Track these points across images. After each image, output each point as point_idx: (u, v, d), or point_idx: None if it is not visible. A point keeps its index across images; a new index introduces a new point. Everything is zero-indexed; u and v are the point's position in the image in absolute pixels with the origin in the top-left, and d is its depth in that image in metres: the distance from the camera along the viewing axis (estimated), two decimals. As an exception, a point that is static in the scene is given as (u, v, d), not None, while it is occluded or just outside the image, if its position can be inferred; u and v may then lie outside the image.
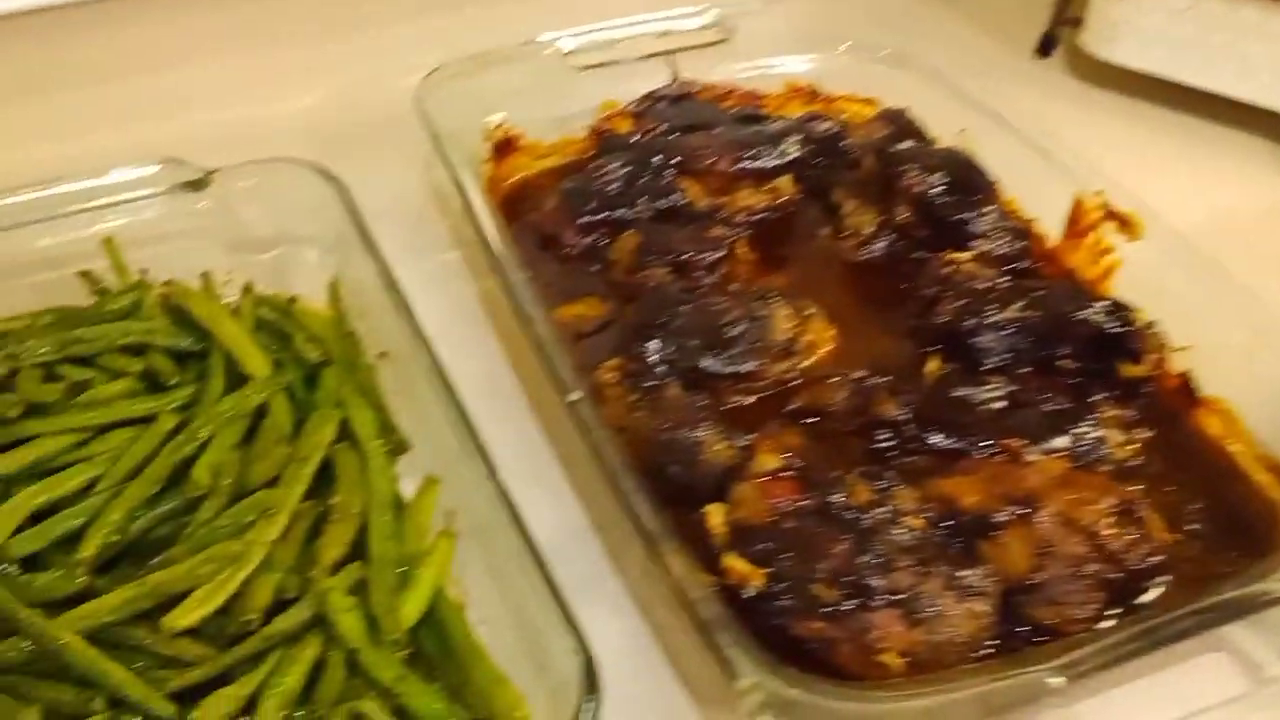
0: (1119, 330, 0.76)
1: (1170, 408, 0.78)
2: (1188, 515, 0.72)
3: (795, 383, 0.78)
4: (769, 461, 0.65)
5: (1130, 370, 0.76)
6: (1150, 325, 0.77)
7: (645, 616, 0.67)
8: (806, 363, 0.79)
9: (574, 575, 0.61)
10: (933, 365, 0.78)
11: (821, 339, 0.80)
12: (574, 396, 0.66)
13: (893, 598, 0.59)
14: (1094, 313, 0.77)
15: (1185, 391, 0.78)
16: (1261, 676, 0.64)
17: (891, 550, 0.61)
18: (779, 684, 0.54)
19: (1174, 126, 1.11)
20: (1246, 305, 0.77)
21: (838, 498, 0.63)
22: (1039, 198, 0.91)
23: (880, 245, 0.90)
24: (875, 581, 0.59)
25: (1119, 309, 0.77)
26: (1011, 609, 0.63)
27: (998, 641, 0.62)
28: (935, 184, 0.89)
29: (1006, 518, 0.64)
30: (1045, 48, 1.23)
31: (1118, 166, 0.93)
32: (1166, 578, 0.66)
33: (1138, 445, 0.74)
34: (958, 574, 0.61)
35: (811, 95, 1.07)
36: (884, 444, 0.71)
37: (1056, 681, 0.55)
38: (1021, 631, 0.63)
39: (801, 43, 1.09)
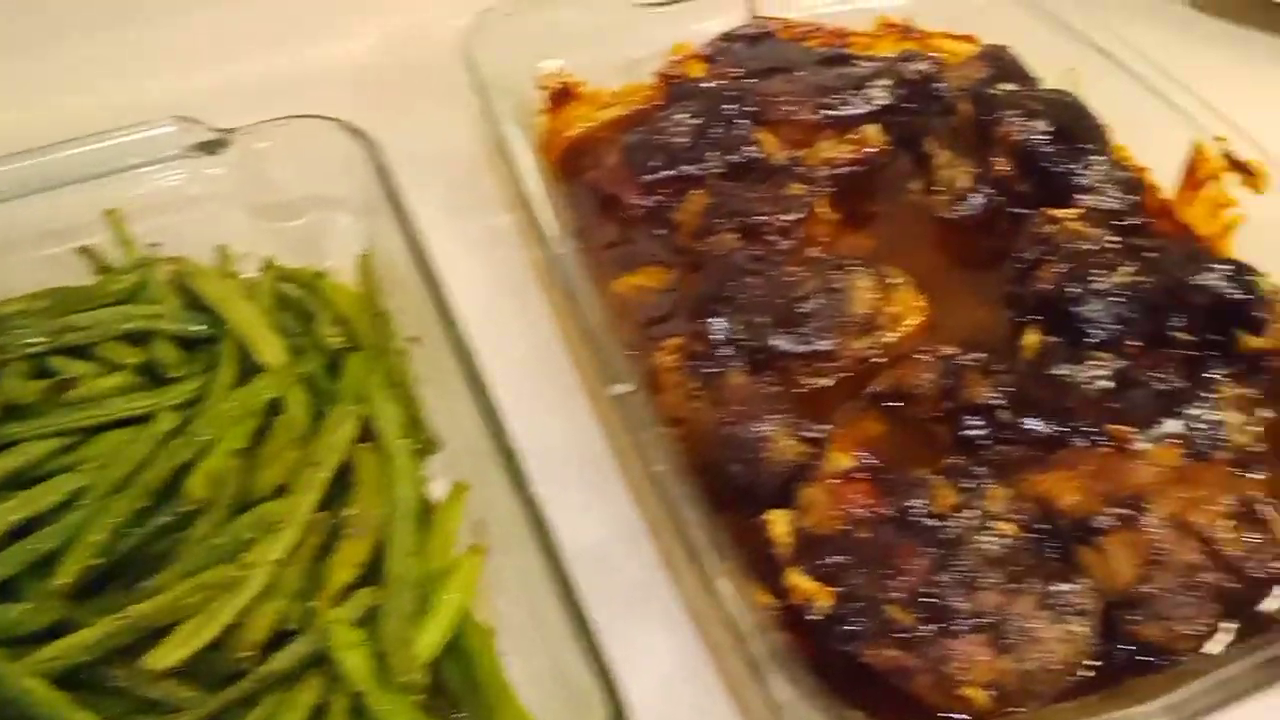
0: (1240, 297, 0.68)
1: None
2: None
3: (878, 362, 0.70)
4: (842, 460, 0.58)
5: (1253, 343, 0.68)
6: (1277, 290, 0.68)
7: (702, 633, 0.61)
8: (891, 338, 0.72)
9: (624, 585, 0.56)
10: (1030, 339, 0.70)
11: (908, 311, 0.73)
12: (619, 389, 0.60)
13: (978, 621, 0.53)
14: (1212, 277, 0.69)
15: (1321, 366, 0.69)
16: None
17: (977, 564, 0.54)
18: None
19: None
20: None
21: (918, 502, 0.56)
22: (1154, 145, 0.82)
23: (977, 201, 0.82)
24: (958, 602, 0.53)
25: (1241, 272, 0.69)
26: (1114, 625, 0.56)
27: (1099, 664, 0.55)
28: (1038, 131, 0.80)
29: (1110, 521, 0.57)
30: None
31: (1241, 108, 0.83)
32: (1290, 589, 0.58)
33: (1261, 429, 0.66)
34: (1053, 589, 0.54)
35: (905, 32, 0.99)
36: (975, 432, 0.64)
37: (1160, 726, 0.48)
38: (1125, 651, 0.56)
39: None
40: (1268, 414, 0.67)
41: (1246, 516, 0.58)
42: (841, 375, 0.70)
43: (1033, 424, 0.65)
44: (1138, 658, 0.56)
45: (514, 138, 0.78)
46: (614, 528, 0.64)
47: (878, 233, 0.83)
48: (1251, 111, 0.89)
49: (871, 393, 0.68)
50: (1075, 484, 0.59)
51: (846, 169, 0.85)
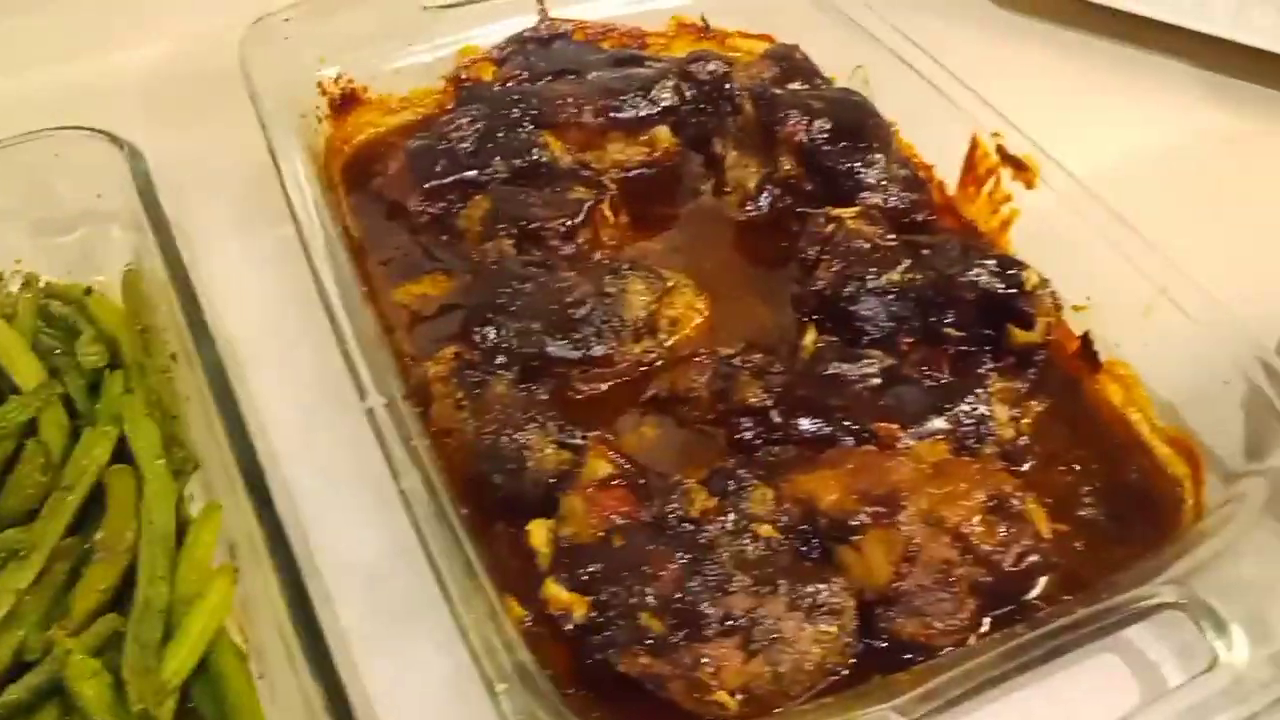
0: (1007, 292, 0.69)
1: (1067, 375, 0.71)
2: (1083, 499, 0.65)
3: (657, 365, 0.70)
4: (600, 468, 0.58)
5: (1022, 337, 0.69)
6: (1043, 285, 0.70)
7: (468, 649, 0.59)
8: (671, 341, 0.71)
9: (396, 601, 0.54)
10: (808, 338, 0.70)
11: (689, 313, 0.73)
12: (373, 402, 0.58)
13: (729, 625, 0.52)
14: (981, 273, 0.70)
15: (1084, 356, 0.71)
16: (1158, 680, 0.58)
17: (730, 568, 0.54)
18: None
19: (1096, 53, 1.03)
20: (1147, 256, 0.70)
21: (673, 508, 0.56)
22: (944, 141, 0.83)
23: (764, 201, 0.83)
24: (709, 607, 0.53)
25: (1008, 267, 0.69)
26: (872, 623, 0.56)
27: (855, 661, 0.55)
28: (820, 131, 0.81)
29: (866, 520, 0.57)
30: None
31: (1034, 98, 0.86)
32: (1050, 575, 0.59)
33: (1029, 421, 0.67)
34: (806, 590, 0.54)
35: (702, 32, 0.98)
36: (746, 434, 0.64)
37: (901, 721, 0.49)
38: (883, 647, 0.56)
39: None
40: (1038, 406, 0.69)
41: (1001, 510, 0.58)
42: (620, 380, 0.69)
43: (804, 424, 0.65)
44: (899, 655, 0.56)
45: (288, 146, 0.76)
46: (388, 544, 0.62)
47: (669, 235, 0.82)
48: (1053, 107, 0.92)
49: (648, 397, 0.68)
50: (837, 483, 0.59)
51: (637, 171, 0.85)
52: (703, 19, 0.97)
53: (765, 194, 0.83)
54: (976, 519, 0.57)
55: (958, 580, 0.57)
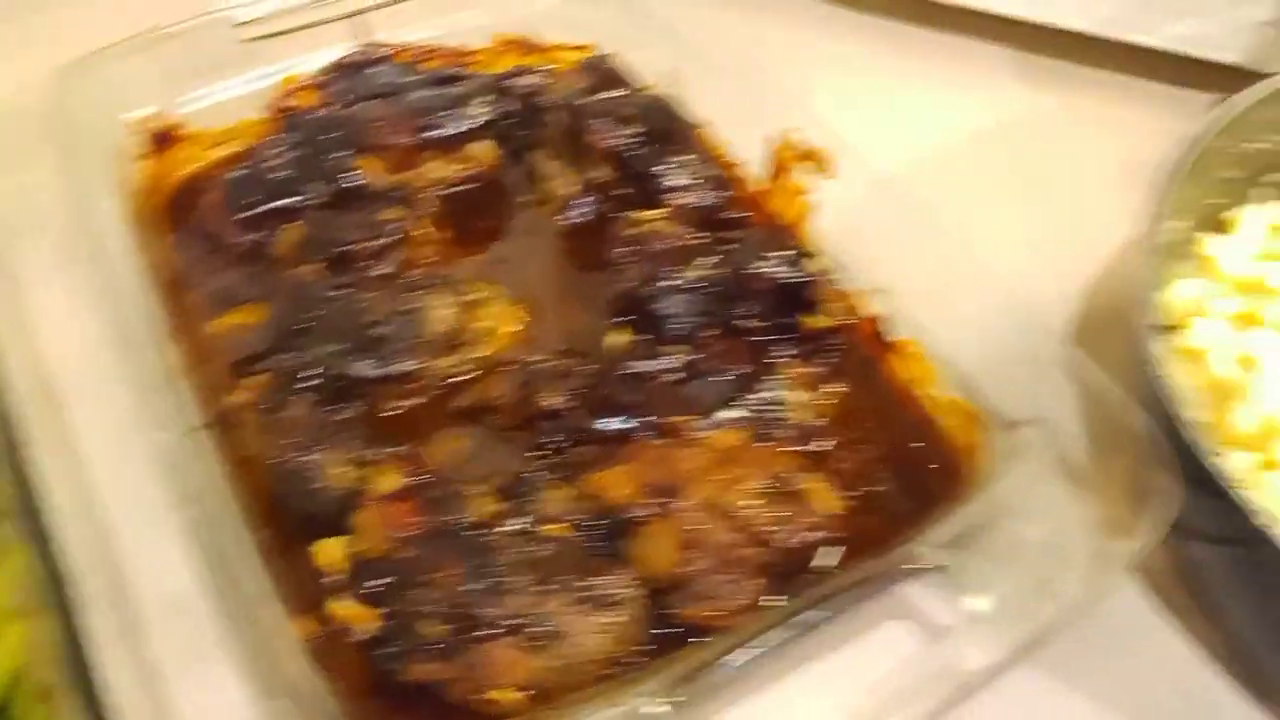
0: (795, 281, 0.71)
1: (866, 357, 0.74)
2: (877, 473, 0.68)
3: (470, 378, 0.72)
4: (387, 481, 0.60)
5: (815, 323, 0.72)
6: (826, 272, 0.73)
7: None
8: (484, 352, 0.73)
9: (204, 632, 0.56)
10: (617, 339, 0.73)
11: (503, 323, 0.75)
12: (175, 432, 0.60)
13: (510, 624, 0.55)
14: (769, 265, 0.73)
15: (877, 337, 0.74)
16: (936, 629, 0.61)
17: (513, 569, 0.56)
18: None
19: (914, 41, 1.07)
20: (940, 239, 0.73)
21: (462, 515, 0.58)
22: (756, 138, 0.85)
23: (582, 209, 0.85)
24: (490, 609, 0.55)
25: (795, 257, 0.72)
26: (662, 610, 0.59)
27: (654, 648, 0.58)
28: (627, 136, 0.83)
29: (650, 510, 0.59)
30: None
31: (855, 89, 0.92)
32: (838, 548, 0.62)
33: (828, 403, 0.70)
34: (589, 584, 0.57)
35: (526, 47, 1.00)
36: (548, 437, 0.66)
37: (658, 709, 0.51)
38: (671, 632, 0.58)
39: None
40: (837, 388, 0.71)
41: (782, 491, 0.61)
42: (432, 394, 0.71)
43: (605, 423, 0.67)
44: (687, 639, 0.58)
45: (101, 185, 0.77)
46: (197, 572, 0.64)
47: (494, 247, 0.84)
48: (872, 95, 0.97)
49: (456, 409, 0.69)
50: (628, 478, 0.62)
51: (458, 187, 0.86)
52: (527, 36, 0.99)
53: (583, 201, 0.85)
54: (757, 501, 0.60)
55: (740, 561, 0.59)
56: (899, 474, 0.67)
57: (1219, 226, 0.76)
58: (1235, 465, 0.61)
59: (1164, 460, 0.58)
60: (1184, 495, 0.57)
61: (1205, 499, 0.54)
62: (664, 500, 0.60)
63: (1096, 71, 1.03)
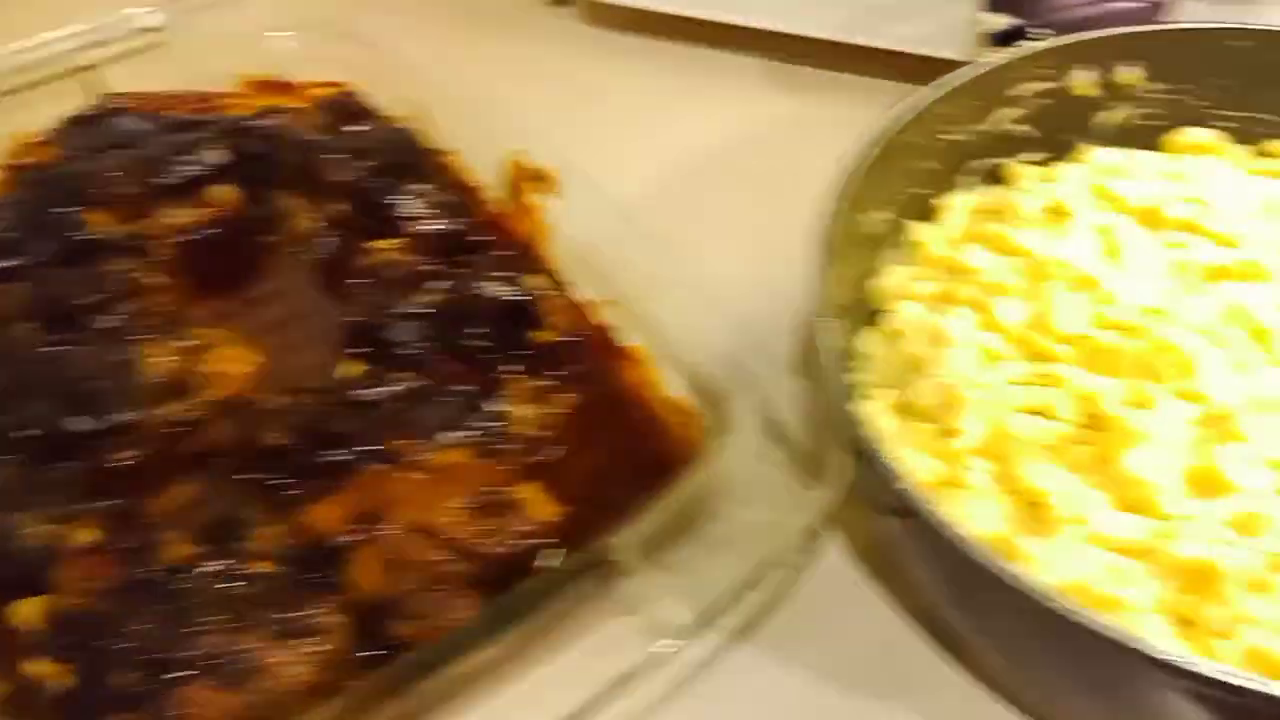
0: (517, 299, 0.73)
1: (594, 366, 0.75)
2: (604, 476, 0.69)
3: (199, 423, 0.72)
4: (83, 535, 0.59)
5: (539, 337, 0.73)
6: (555, 287, 0.74)
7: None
8: (216, 396, 0.73)
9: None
10: (344, 370, 0.73)
11: (233, 366, 0.75)
12: None
13: (202, 664, 0.55)
14: (498, 284, 0.74)
15: (608, 346, 0.75)
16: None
17: (206, 610, 0.56)
18: None
19: (678, 58, 1.10)
20: (667, 250, 0.75)
21: (157, 562, 0.58)
22: (499, 162, 0.87)
23: (324, 244, 0.85)
24: (178, 652, 0.55)
25: (515, 276, 0.74)
26: (374, 632, 0.59)
27: (362, 670, 0.58)
28: (364, 169, 0.84)
29: (358, 538, 0.60)
30: (557, -6, 1.19)
31: (618, 108, 0.97)
32: (560, 552, 0.63)
33: (552, 414, 0.71)
34: (292, 616, 0.57)
35: (276, 88, 1.00)
36: (271, 475, 0.66)
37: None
38: (387, 653, 0.59)
39: (277, 25, 1.02)
40: (567, 398, 0.73)
41: (493, 503, 0.62)
42: (156, 444, 0.71)
43: (327, 456, 0.68)
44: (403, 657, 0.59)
45: None
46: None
47: (237, 290, 0.84)
48: (635, 112, 1.01)
49: (183, 456, 0.69)
50: (341, 507, 0.62)
51: (198, 233, 0.86)
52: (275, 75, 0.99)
53: (325, 237, 0.85)
54: (462, 516, 0.61)
55: (448, 576, 0.60)
56: (627, 475, 0.69)
57: (928, 214, 0.80)
58: (898, 441, 0.64)
59: (842, 440, 0.60)
60: (862, 470, 0.59)
61: (875, 475, 0.57)
62: (370, 525, 0.60)
63: (839, 75, 1.06)
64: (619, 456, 0.70)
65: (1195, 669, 0.48)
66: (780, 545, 0.61)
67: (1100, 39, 0.81)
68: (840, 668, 0.64)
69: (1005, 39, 0.89)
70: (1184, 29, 0.84)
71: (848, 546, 0.69)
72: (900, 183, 0.77)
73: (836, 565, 0.68)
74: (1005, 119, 0.82)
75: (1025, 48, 0.81)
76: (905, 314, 0.72)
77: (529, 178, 0.83)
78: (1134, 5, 0.91)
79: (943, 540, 0.54)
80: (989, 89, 0.80)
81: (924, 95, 0.75)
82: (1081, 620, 0.49)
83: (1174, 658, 0.48)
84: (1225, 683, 0.48)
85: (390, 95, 0.95)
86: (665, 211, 0.88)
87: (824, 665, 0.64)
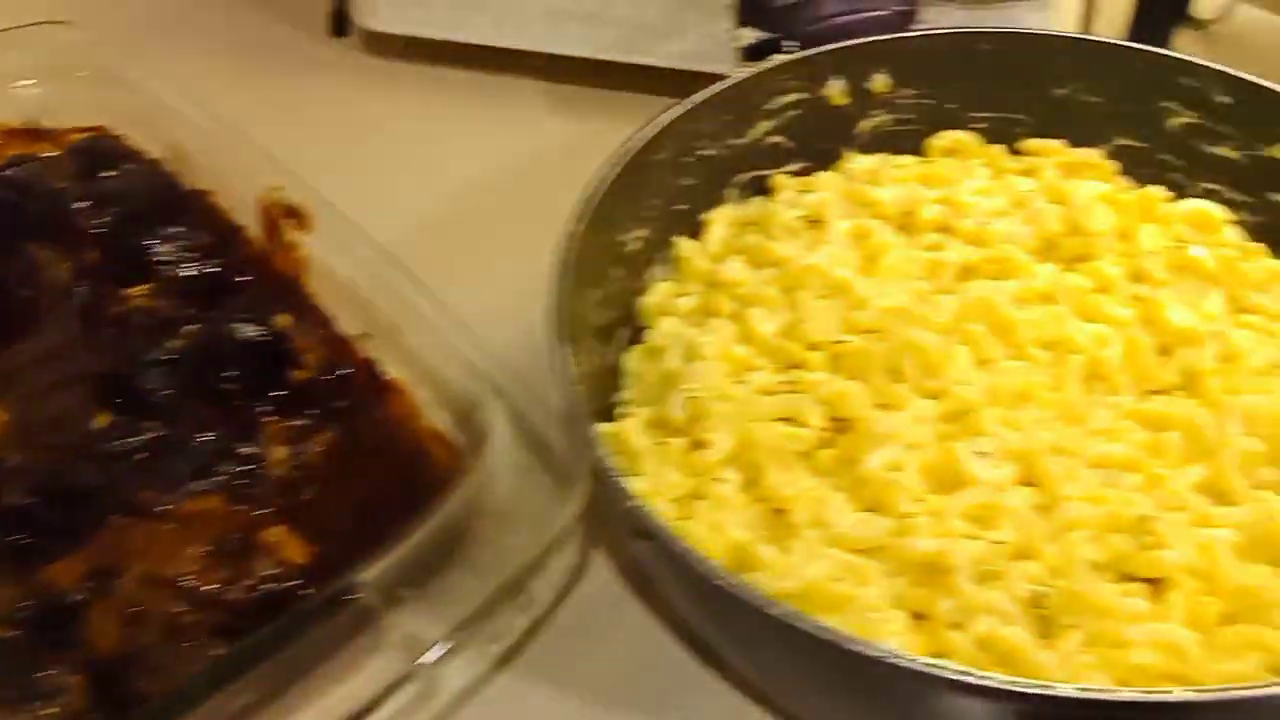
0: (266, 339, 0.71)
1: (356, 401, 0.74)
2: (363, 512, 0.68)
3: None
4: None
5: (296, 375, 0.72)
6: (311, 324, 0.73)
7: None
8: (-44, 458, 0.70)
9: None
10: (100, 421, 0.71)
11: (-29, 425, 0.71)
12: None
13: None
14: (249, 325, 0.73)
15: (371, 380, 0.74)
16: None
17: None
18: None
19: (461, 86, 1.09)
20: (418, 288, 0.74)
21: None
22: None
23: (78, 294, 0.82)
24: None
25: (264, 316, 0.72)
26: (114, 690, 0.57)
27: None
28: (114, 215, 0.81)
29: (90, 594, 0.58)
30: (339, 27, 1.18)
31: (396, 138, 0.97)
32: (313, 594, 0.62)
33: (309, 453, 0.70)
34: (23, 680, 0.55)
35: (32, 135, 0.97)
36: (11, 537, 0.64)
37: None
38: (128, 711, 0.57)
39: (34, 71, 0.98)
40: (329, 436, 0.72)
41: (237, 549, 0.60)
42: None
43: (70, 512, 0.65)
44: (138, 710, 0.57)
45: None
46: None
47: (-8, 344, 0.81)
48: (412, 142, 1.00)
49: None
50: (79, 564, 0.60)
51: (-54, 292, 0.82)
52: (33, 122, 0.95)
53: (79, 287, 0.82)
54: (199, 566, 0.59)
55: (188, 627, 0.58)
56: (391, 508, 0.68)
57: (698, 230, 0.81)
58: (651, 457, 0.64)
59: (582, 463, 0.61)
60: (602, 492, 0.59)
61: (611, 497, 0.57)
62: (103, 581, 0.58)
63: (618, 94, 1.07)
64: (382, 490, 0.69)
65: (909, 665, 0.49)
66: (526, 566, 0.60)
67: (846, 48, 0.83)
68: (606, 687, 0.64)
69: (757, 53, 0.91)
70: (930, 34, 0.87)
71: (610, 566, 0.69)
72: (656, 200, 0.78)
73: (599, 585, 0.68)
74: (762, 131, 0.84)
75: (773, 61, 0.82)
76: (663, 329, 0.73)
77: (285, 215, 0.81)
78: (885, 14, 0.93)
79: (677, 557, 0.54)
80: (741, 103, 0.81)
81: (669, 114, 0.76)
82: (804, 625, 0.50)
83: (888, 655, 0.49)
84: (940, 677, 0.49)
85: (149, 137, 0.92)
86: (433, 243, 0.87)
87: (589, 685, 0.64)
